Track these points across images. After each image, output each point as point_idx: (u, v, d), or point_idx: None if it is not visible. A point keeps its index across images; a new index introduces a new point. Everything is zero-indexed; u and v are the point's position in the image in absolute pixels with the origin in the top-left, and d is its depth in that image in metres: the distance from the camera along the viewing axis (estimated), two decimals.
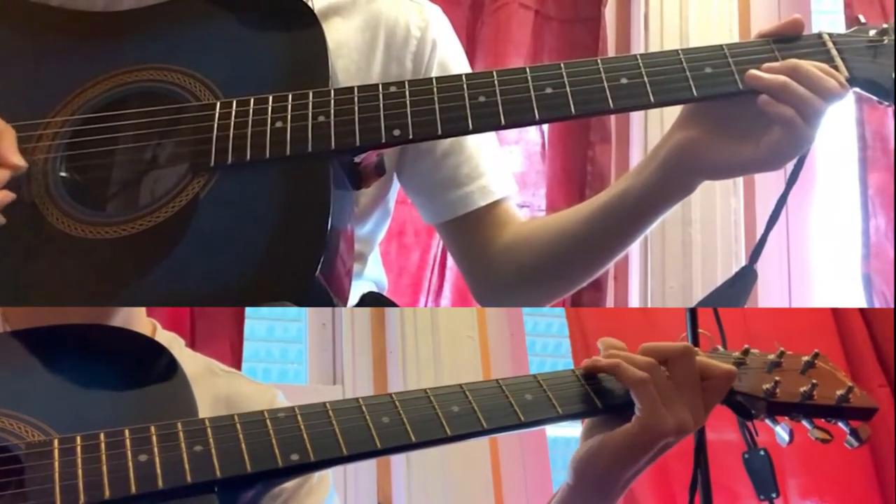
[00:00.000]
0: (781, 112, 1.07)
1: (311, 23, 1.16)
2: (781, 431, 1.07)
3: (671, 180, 1.16)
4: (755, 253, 1.17)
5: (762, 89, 1.08)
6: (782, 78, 1.08)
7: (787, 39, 1.12)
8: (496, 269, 1.35)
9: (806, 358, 1.11)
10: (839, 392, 1.07)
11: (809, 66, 1.08)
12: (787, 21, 1.14)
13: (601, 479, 1.00)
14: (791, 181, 1.14)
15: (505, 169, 1.39)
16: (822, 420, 1.07)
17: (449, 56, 1.35)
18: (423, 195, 1.38)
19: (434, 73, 1.31)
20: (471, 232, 1.36)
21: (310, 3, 1.22)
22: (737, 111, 1.11)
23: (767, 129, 1.09)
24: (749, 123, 1.10)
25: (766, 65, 1.10)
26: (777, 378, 1.06)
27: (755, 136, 1.10)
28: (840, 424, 1.07)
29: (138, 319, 1.14)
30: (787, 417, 1.07)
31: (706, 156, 1.12)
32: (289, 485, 1.10)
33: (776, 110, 1.07)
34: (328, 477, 1.16)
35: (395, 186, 1.41)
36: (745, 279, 1.16)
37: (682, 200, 1.18)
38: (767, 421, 1.08)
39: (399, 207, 1.46)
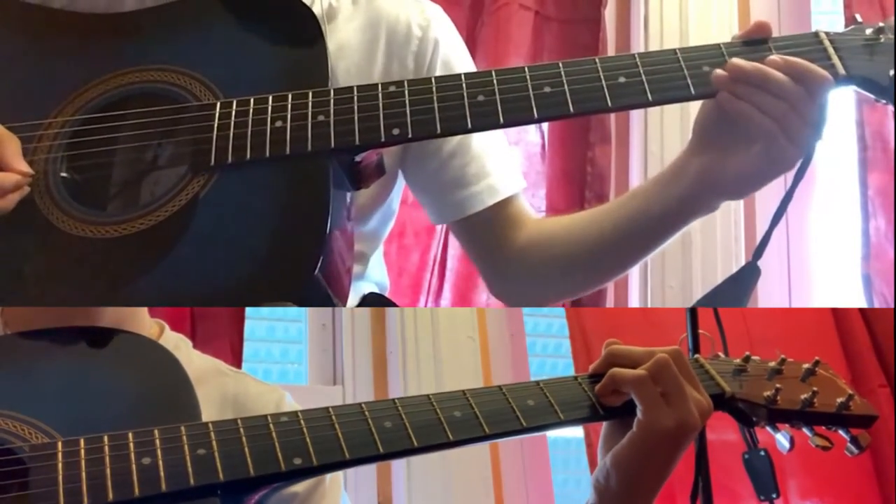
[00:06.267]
0: (760, 122, 1.08)
1: (311, 24, 1.16)
2: (782, 439, 1.06)
3: (695, 203, 1.17)
4: (758, 250, 1.17)
5: (738, 76, 1.09)
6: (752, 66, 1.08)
7: (784, 38, 1.12)
8: (512, 268, 1.36)
9: (807, 365, 1.11)
10: (839, 400, 1.06)
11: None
12: (754, 24, 1.14)
13: (622, 499, 0.99)
14: (797, 179, 1.14)
15: (512, 166, 1.40)
16: (823, 427, 1.07)
17: (452, 55, 1.34)
18: (430, 195, 1.38)
19: (437, 72, 1.31)
20: (482, 231, 1.36)
21: (309, 4, 1.22)
22: (740, 126, 1.10)
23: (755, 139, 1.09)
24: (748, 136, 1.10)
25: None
26: (778, 385, 1.06)
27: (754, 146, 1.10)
28: (840, 432, 1.07)
29: (139, 320, 1.13)
30: (787, 425, 1.07)
31: (724, 179, 1.13)
32: (300, 489, 1.10)
33: (738, 108, 1.08)
34: (340, 480, 1.15)
35: (399, 187, 1.41)
36: (747, 277, 1.16)
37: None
38: (768, 428, 1.07)
39: (399, 208, 1.46)
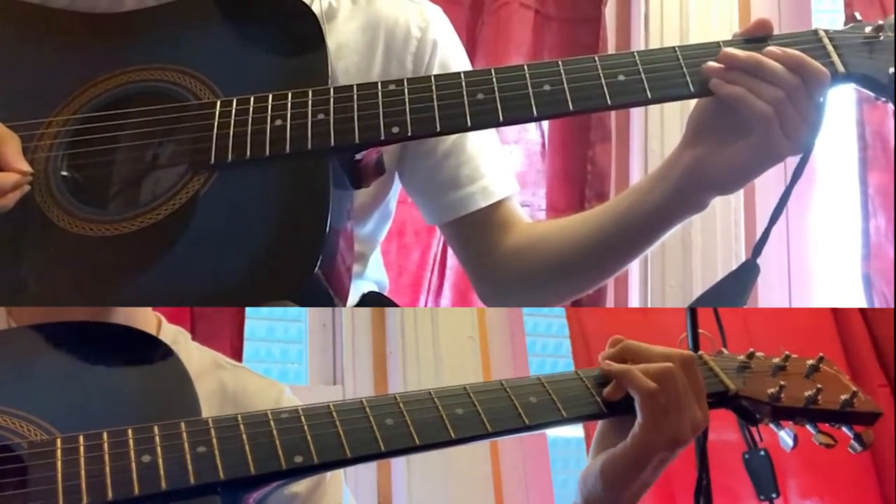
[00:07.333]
0: (754, 105, 1.07)
1: (311, 24, 1.16)
2: (786, 437, 1.06)
3: (684, 199, 1.17)
4: (757, 247, 1.16)
5: (733, 64, 1.09)
6: (756, 56, 1.08)
7: (783, 36, 1.12)
8: (501, 272, 1.35)
9: (811, 361, 1.10)
10: (844, 397, 1.06)
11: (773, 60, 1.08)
12: (755, 22, 1.14)
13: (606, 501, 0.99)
14: (795, 176, 1.13)
15: (506, 169, 1.39)
16: (826, 425, 1.07)
17: (450, 56, 1.34)
18: (424, 195, 1.38)
19: (434, 74, 1.31)
20: (473, 233, 1.36)
21: (309, 4, 1.22)
22: (735, 118, 1.10)
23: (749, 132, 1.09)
24: (744, 129, 1.10)
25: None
26: (782, 382, 1.05)
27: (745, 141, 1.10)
28: (844, 429, 1.07)
29: (143, 313, 1.13)
30: (791, 422, 1.06)
31: (714, 171, 1.12)
32: (301, 489, 1.10)
33: (742, 99, 1.08)
34: (341, 478, 1.15)
35: (396, 187, 1.41)
36: (747, 274, 1.15)
37: (693, 216, 1.19)
38: (772, 426, 1.07)
39: (399, 207, 1.46)
